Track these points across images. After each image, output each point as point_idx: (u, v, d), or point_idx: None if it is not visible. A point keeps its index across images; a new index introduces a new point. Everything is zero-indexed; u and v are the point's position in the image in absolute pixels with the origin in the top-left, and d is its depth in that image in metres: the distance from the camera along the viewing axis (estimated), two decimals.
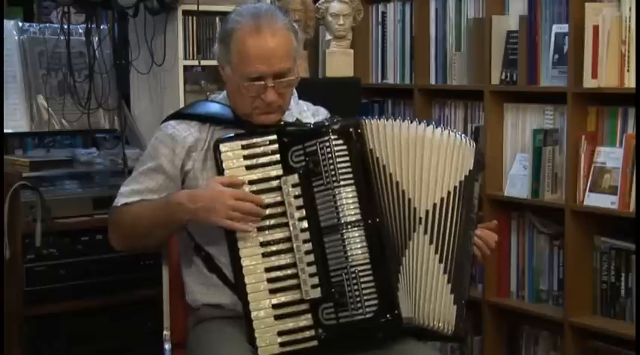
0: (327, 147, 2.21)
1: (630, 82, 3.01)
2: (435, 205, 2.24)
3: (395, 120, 2.27)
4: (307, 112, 2.48)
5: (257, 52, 2.22)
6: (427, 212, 2.24)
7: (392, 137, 2.24)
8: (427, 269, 2.24)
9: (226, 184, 2.22)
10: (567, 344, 3.21)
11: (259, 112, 2.28)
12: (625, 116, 3.10)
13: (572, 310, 3.20)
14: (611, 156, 3.09)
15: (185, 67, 3.32)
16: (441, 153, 2.25)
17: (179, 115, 2.41)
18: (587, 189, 3.13)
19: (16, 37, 3.31)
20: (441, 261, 2.24)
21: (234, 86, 2.29)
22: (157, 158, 2.34)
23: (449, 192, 2.24)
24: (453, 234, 2.26)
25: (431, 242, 2.24)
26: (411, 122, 2.27)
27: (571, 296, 3.20)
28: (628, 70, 3.01)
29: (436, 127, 2.28)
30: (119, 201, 2.36)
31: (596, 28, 3.05)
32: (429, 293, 2.25)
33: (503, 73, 3.44)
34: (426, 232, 2.24)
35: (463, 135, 2.32)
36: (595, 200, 3.10)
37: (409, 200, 2.23)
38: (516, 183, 3.38)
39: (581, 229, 3.19)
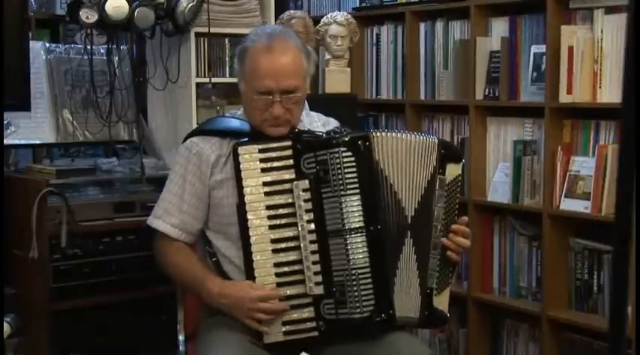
0: (336, 157, 2.24)
1: (602, 98, 3.09)
2: (416, 210, 2.30)
3: (400, 133, 2.33)
4: (318, 123, 2.53)
5: (266, 69, 2.28)
6: (412, 217, 2.30)
7: (395, 149, 2.28)
8: (410, 270, 2.31)
9: (259, 295, 2.26)
10: (545, 336, 3.30)
11: (268, 125, 2.32)
12: (597, 128, 3.19)
13: (549, 305, 3.29)
14: (584, 165, 3.17)
15: (197, 84, 3.34)
16: (418, 156, 2.30)
17: (201, 132, 2.45)
18: (563, 195, 3.22)
19: (44, 57, 3.33)
20: (416, 261, 2.31)
21: (247, 99, 2.35)
22: (186, 176, 2.40)
23: (421, 195, 2.30)
24: (427, 233, 2.32)
25: (414, 244, 2.30)
26: (415, 135, 2.33)
27: (548, 292, 3.29)
28: (600, 87, 3.10)
29: (421, 135, 2.33)
30: (154, 222, 2.43)
31: (571, 49, 3.16)
32: (413, 292, 2.32)
33: (487, 89, 3.52)
34: (412, 236, 2.30)
35: (428, 135, 2.34)
36: (570, 205, 3.19)
37: (402, 208, 2.29)
38: (498, 189, 3.49)
39: (557, 231, 3.28)
